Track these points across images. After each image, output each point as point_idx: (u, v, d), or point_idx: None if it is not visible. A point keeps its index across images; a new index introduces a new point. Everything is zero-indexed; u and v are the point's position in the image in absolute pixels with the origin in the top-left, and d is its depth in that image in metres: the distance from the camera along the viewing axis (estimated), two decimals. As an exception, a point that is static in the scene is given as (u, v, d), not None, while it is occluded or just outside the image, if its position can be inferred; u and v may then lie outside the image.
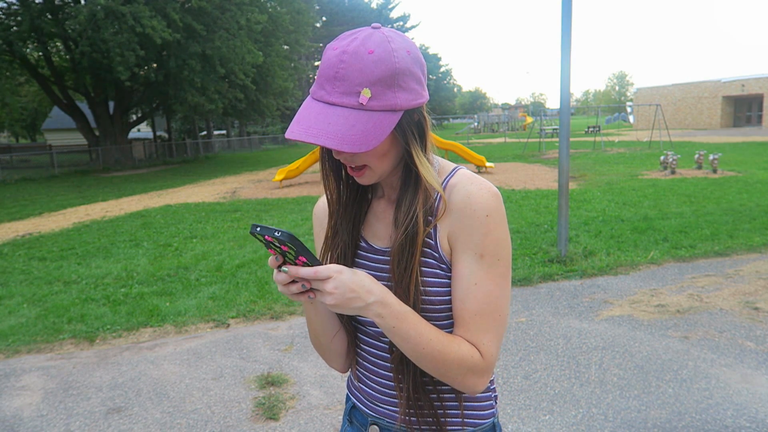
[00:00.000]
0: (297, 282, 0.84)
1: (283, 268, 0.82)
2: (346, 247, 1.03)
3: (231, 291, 5.21)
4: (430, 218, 0.94)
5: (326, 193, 1.03)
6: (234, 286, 5.34)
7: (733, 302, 4.41)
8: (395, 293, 0.91)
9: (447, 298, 0.94)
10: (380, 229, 1.02)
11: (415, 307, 0.92)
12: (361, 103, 0.84)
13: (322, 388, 3.30)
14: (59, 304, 5.05)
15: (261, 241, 0.82)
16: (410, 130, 0.91)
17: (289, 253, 0.82)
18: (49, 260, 6.91)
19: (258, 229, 0.80)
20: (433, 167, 0.98)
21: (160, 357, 3.86)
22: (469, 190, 0.92)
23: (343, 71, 0.84)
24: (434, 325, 0.92)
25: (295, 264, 0.83)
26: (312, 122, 0.85)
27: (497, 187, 0.95)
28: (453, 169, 0.99)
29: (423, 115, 0.94)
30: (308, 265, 0.82)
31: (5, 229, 9.63)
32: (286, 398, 3.20)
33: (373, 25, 0.90)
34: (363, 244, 1.04)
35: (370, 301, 0.84)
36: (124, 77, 18.59)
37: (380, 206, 1.04)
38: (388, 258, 0.97)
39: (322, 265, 0.82)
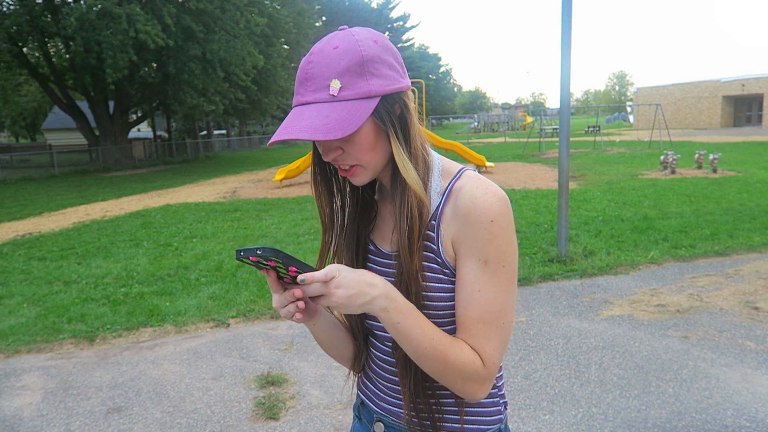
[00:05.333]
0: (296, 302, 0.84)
1: (301, 277, 0.80)
2: (355, 253, 1.02)
3: (231, 291, 5.21)
4: (433, 222, 0.92)
5: (319, 213, 1.02)
6: (234, 286, 5.34)
7: (733, 302, 4.41)
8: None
9: (450, 303, 0.92)
10: (387, 232, 1.00)
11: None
12: (333, 95, 0.84)
13: (322, 388, 3.30)
14: (59, 303, 5.05)
15: (250, 264, 0.82)
16: (391, 122, 0.89)
17: (279, 267, 0.81)
18: (49, 260, 6.90)
19: (242, 253, 0.78)
20: (433, 167, 0.95)
21: (160, 357, 3.86)
22: (473, 194, 0.89)
23: (312, 70, 0.86)
24: None
25: (288, 275, 0.82)
26: (288, 122, 0.85)
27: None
28: (458, 171, 0.95)
29: (406, 108, 0.91)
30: (296, 273, 0.81)
31: (5, 229, 9.62)
32: (286, 398, 3.20)
33: (340, 27, 0.91)
34: (372, 247, 1.02)
35: (375, 295, 0.83)
36: (110, 80, 18.54)
37: (386, 208, 1.02)
38: (395, 262, 0.95)
39: (314, 270, 0.81)
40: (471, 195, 0.89)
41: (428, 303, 0.92)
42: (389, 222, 1.00)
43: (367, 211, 1.04)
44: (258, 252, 0.76)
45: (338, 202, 1.02)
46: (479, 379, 0.89)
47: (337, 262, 1.03)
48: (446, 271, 0.92)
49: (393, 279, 0.95)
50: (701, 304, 4.41)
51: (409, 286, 0.91)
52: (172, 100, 22.67)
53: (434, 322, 0.92)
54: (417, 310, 0.88)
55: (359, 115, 0.84)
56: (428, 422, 0.98)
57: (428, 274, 0.92)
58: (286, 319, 0.85)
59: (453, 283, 0.92)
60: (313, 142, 0.94)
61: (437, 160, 0.98)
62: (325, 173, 1.00)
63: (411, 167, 0.90)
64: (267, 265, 0.81)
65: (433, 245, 0.92)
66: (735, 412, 2.83)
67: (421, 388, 0.96)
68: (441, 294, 0.92)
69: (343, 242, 1.03)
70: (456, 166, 0.97)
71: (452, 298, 0.92)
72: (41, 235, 8.82)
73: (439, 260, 0.92)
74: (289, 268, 0.80)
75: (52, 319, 4.64)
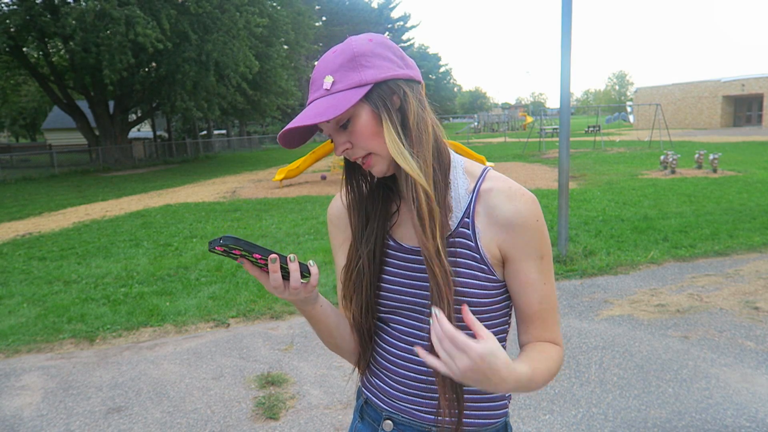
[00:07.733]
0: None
1: (436, 311, 0.78)
2: (375, 246, 1.02)
3: (231, 290, 5.21)
4: (467, 219, 0.95)
5: (348, 191, 1.05)
6: (234, 286, 5.34)
7: (733, 302, 4.41)
8: (431, 291, 0.90)
9: (486, 300, 0.95)
10: (408, 228, 1.02)
11: (450, 307, 0.89)
12: (327, 89, 0.91)
13: (322, 388, 3.30)
14: (59, 303, 5.05)
15: (222, 255, 0.84)
16: (385, 107, 0.90)
17: (245, 254, 0.83)
18: (49, 260, 6.91)
19: (211, 244, 0.81)
20: (454, 163, 0.98)
21: (160, 357, 3.86)
22: (512, 200, 0.94)
23: (314, 74, 0.94)
24: None
25: (253, 260, 0.85)
26: (292, 120, 0.93)
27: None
28: (483, 171, 0.98)
29: (405, 96, 0.91)
30: (264, 260, 0.84)
31: (5, 229, 9.63)
32: (286, 398, 3.20)
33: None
34: (392, 243, 1.03)
35: (500, 387, 0.79)
36: (108, 81, 18.54)
37: (406, 204, 1.04)
38: (419, 257, 0.97)
39: (273, 253, 0.83)
40: (510, 202, 0.94)
41: (463, 299, 0.93)
42: (409, 217, 1.01)
43: (387, 206, 1.05)
44: (221, 242, 0.80)
45: (368, 183, 1.06)
46: (561, 364, 0.98)
47: (351, 256, 1.05)
48: (483, 267, 0.95)
49: (418, 274, 0.98)
50: (701, 304, 4.41)
51: (438, 278, 0.89)
52: (165, 101, 22.69)
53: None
54: (534, 367, 0.86)
55: (348, 99, 0.88)
56: (452, 418, 0.97)
57: (463, 270, 0.94)
58: (289, 305, 0.87)
59: (490, 281, 0.95)
60: (344, 158, 1.01)
61: (458, 158, 1.01)
62: (356, 177, 1.04)
63: (407, 153, 0.90)
64: (235, 254, 0.84)
65: (470, 242, 0.95)
66: (735, 412, 2.83)
67: (450, 383, 0.95)
68: (477, 290, 0.94)
69: (363, 236, 1.04)
70: (478, 165, 1.01)
71: (487, 296, 0.95)
72: (41, 235, 8.82)
73: (478, 257, 0.95)
74: (254, 255, 0.83)
75: (52, 319, 4.64)
